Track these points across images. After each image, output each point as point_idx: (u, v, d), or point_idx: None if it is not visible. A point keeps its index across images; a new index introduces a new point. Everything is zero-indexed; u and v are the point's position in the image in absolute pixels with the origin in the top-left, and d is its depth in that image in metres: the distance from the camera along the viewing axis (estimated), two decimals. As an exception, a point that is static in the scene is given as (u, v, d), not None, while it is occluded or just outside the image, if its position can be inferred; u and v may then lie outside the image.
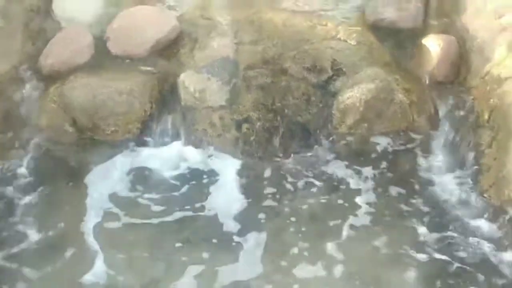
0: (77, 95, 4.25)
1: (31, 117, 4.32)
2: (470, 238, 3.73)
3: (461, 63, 4.52)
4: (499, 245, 3.64)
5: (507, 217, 3.66)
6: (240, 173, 4.17)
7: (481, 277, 3.52)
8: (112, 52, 4.57)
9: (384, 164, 4.22)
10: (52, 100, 4.31)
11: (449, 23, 4.77)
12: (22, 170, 4.15)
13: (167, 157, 4.26)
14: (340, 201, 4.02)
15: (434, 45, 4.52)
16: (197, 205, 4.00)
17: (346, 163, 4.24)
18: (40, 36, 4.67)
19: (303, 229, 3.86)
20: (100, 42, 4.61)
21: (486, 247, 3.65)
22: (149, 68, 4.48)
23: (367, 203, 4.00)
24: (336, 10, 4.99)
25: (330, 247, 3.75)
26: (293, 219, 3.92)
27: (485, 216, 3.79)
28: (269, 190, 4.09)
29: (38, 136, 4.30)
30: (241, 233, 3.83)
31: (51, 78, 4.43)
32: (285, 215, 3.95)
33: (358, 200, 4.02)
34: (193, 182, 4.14)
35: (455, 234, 3.77)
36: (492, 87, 4.12)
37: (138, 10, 4.83)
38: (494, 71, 4.16)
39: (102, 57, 4.56)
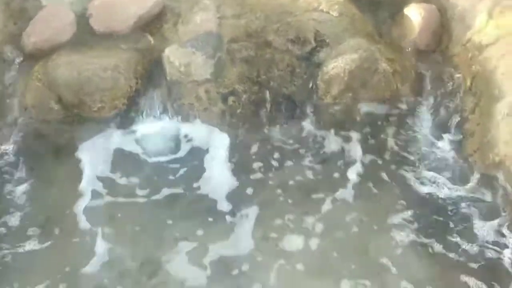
0: (62, 72, 4.21)
1: (16, 95, 4.28)
2: (455, 202, 3.80)
3: (442, 32, 4.54)
4: (483, 207, 3.72)
5: (491, 180, 3.72)
6: (227, 145, 4.18)
7: (463, 237, 3.62)
8: (95, 29, 4.52)
9: (369, 133, 4.27)
10: (36, 79, 4.27)
11: None
12: (9, 148, 4.14)
13: (154, 132, 4.25)
14: (327, 170, 4.07)
15: (415, 14, 4.55)
16: (186, 178, 4.04)
17: (332, 132, 4.27)
18: (22, 16, 4.62)
19: (291, 199, 3.92)
20: (82, 20, 4.56)
21: (471, 210, 3.73)
22: (133, 44, 4.45)
23: (354, 172, 4.05)
24: None
25: (319, 216, 3.81)
26: (281, 190, 3.97)
27: (470, 179, 3.84)
28: (256, 161, 4.12)
29: (24, 114, 4.26)
30: (230, 205, 3.88)
31: (34, 57, 4.39)
32: (273, 186, 3.99)
33: (345, 168, 4.07)
34: (181, 156, 4.16)
35: (440, 198, 3.84)
36: (473, 54, 4.17)
37: None
38: (475, 38, 4.21)
39: (85, 35, 4.51)
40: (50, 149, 4.21)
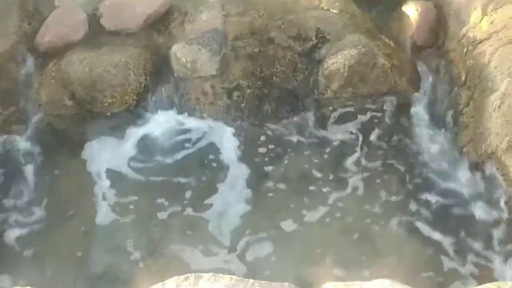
0: (75, 69, 4.31)
1: (31, 93, 4.40)
2: (449, 190, 3.93)
3: (439, 28, 4.60)
4: (476, 195, 3.85)
5: (483, 169, 3.84)
6: (232, 138, 4.28)
7: (458, 224, 3.78)
8: (105, 28, 4.60)
9: (369, 125, 4.35)
10: (50, 76, 4.37)
11: None
12: (24, 144, 4.25)
13: (163, 125, 4.35)
14: (328, 161, 4.17)
15: (413, 10, 4.60)
16: (193, 170, 4.14)
17: (333, 125, 4.36)
18: (36, 16, 4.72)
19: (293, 189, 4.03)
20: (93, 19, 4.65)
21: (466, 197, 3.88)
22: (142, 42, 4.54)
23: (354, 163, 4.15)
24: None
25: (321, 205, 3.93)
26: (284, 179, 4.07)
27: (464, 169, 3.97)
28: (261, 153, 4.22)
29: (38, 110, 4.37)
30: (236, 194, 3.99)
31: (48, 55, 4.49)
32: (276, 176, 4.09)
33: (345, 159, 4.17)
34: (189, 149, 4.25)
35: (436, 187, 3.97)
36: (468, 49, 4.23)
37: None
38: (470, 34, 4.27)
39: (97, 33, 4.60)
40: (63, 142, 4.32)
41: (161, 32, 4.64)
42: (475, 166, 3.91)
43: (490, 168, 3.78)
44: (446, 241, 3.70)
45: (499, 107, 3.81)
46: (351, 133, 4.35)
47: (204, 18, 4.63)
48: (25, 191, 4.05)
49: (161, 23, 4.68)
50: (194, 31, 4.55)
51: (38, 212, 3.94)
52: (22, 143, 4.27)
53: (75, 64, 4.35)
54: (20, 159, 4.21)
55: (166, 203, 3.97)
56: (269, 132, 4.34)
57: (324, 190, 4.03)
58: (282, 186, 4.06)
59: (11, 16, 4.64)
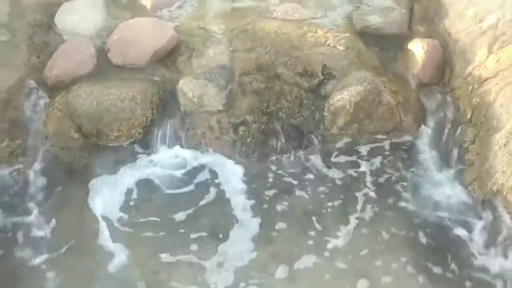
0: (82, 102, 4.35)
1: (38, 125, 4.42)
2: (454, 227, 3.92)
3: (445, 65, 4.64)
4: (482, 233, 3.83)
5: (489, 208, 3.83)
6: (238, 173, 4.29)
7: (461, 262, 3.75)
8: (113, 62, 4.67)
9: (374, 162, 4.36)
10: (58, 109, 4.42)
11: (433, 28, 4.88)
12: (31, 175, 4.26)
13: (168, 160, 4.36)
14: (333, 197, 4.17)
15: (419, 48, 4.64)
16: (198, 204, 4.14)
17: (338, 161, 4.37)
18: (44, 49, 4.80)
19: (297, 225, 4.02)
20: (101, 53, 4.72)
21: (470, 236, 3.85)
22: (149, 76, 4.58)
23: (359, 199, 4.15)
24: (325, 18, 5.06)
25: (324, 240, 3.92)
26: (289, 215, 4.08)
27: (470, 207, 3.96)
28: (266, 188, 4.23)
29: (45, 142, 4.40)
30: (242, 230, 3.99)
31: (56, 88, 4.54)
32: (282, 212, 4.10)
33: (350, 196, 4.18)
34: (194, 183, 4.27)
35: (440, 224, 3.96)
36: (474, 87, 4.28)
37: (136, 22, 4.94)
38: (476, 72, 4.32)
39: (104, 67, 4.65)
40: (69, 175, 4.33)
41: (168, 67, 4.70)
42: (481, 204, 3.91)
43: (496, 206, 3.77)
44: (450, 278, 3.68)
45: (504, 145, 3.83)
46: (356, 169, 4.36)
47: (211, 54, 4.68)
48: (28, 224, 4.04)
49: (168, 58, 4.75)
50: (201, 66, 4.61)
51: (41, 245, 3.92)
52: (28, 175, 4.28)
53: (82, 98, 4.39)
54: (25, 191, 4.22)
55: (169, 240, 3.95)
56: (274, 167, 4.35)
57: (329, 227, 4.01)
58: (287, 223, 4.05)
59: (20, 48, 4.73)
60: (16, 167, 4.29)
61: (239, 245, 3.91)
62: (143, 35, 4.76)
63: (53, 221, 4.05)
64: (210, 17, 5.16)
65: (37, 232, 3.99)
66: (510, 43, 4.30)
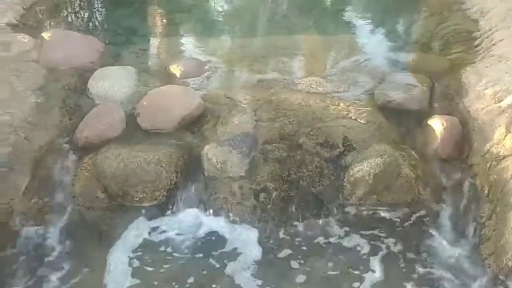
0: (109, 164, 4.46)
1: (66, 184, 4.53)
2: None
3: (463, 142, 4.68)
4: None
5: (505, 284, 3.83)
6: (257, 238, 4.34)
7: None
8: (142, 127, 4.79)
9: (392, 234, 4.40)
10: (86, 169, 4.54)
11: (453, 106, 4.95)
12: (57, 233, 4.36)
13: (190, 223, 4.44)
14: (350, 268, 4.20)
15: (438, 125, 4.70)
16: (216, 268, 4.19)
17: (356, 232, 4.41)
18: (76, 112, 4.96)
19: (315, 292, 4.04)
20: (131, 118, 4.86)
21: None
22: (175, 141, 4.69)
23: (375, 271, 4.18)
24: (348, 92, 5.18)
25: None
26: (307, 282, 4.10)
27: (486, 282, 3.97)
28: (284, 255, 4.27)
29: (72, 202, 4.49)
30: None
31: (85, 150, 4.66)
32: (299, 279, 4.13)
33: (367, 267, 4.20)
34: (214, 247, 4.32)
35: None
36: (492, 164, 4.32)
37: (166, 89, 5.10)
38: (494, 150, 4.37)
39: (133, 131, 4.78)
40: (93, 234, 4.42)
41: (194, 133, 4.82)
42: (497, 280, 3.91)
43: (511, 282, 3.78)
44: None
45: (521, 221, 3.84)
46: (373, 239, 4.39)
47: (236, 122, 4.81)
48: (56, 279, 4.14)
49: (194, 124, 4.88)
50: (226, 133, 4.72)
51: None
52: (54, 233, 4.38)
53: (110, 159, 4.51)
54: (50, 249, 4.32)
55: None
56: (293, 235, 4.40)
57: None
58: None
59: (53, 110, 4.92)
60: (42, 225, 4.38)
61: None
62: (172, 102, 4.90)
63: (74, 280, 4.13)
64: (236, 87, 5.32)
65: (61, 289, 4.05)
66: (527, 122, 4.36)
